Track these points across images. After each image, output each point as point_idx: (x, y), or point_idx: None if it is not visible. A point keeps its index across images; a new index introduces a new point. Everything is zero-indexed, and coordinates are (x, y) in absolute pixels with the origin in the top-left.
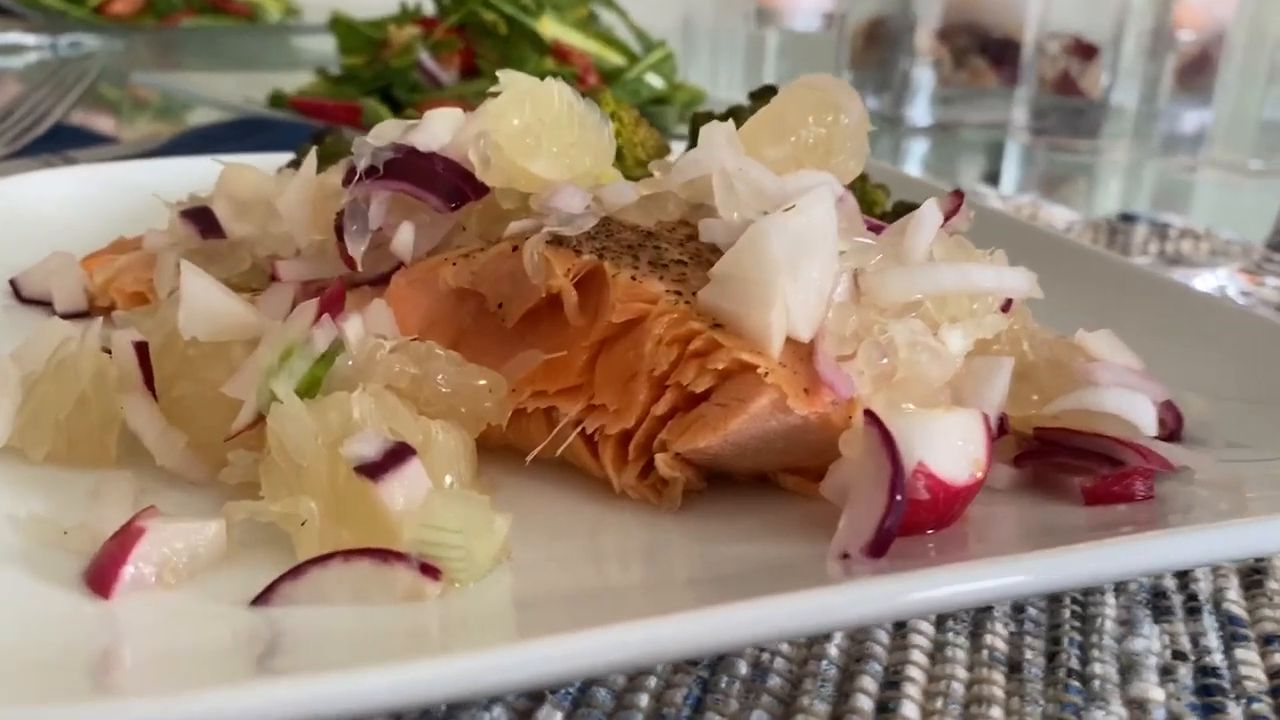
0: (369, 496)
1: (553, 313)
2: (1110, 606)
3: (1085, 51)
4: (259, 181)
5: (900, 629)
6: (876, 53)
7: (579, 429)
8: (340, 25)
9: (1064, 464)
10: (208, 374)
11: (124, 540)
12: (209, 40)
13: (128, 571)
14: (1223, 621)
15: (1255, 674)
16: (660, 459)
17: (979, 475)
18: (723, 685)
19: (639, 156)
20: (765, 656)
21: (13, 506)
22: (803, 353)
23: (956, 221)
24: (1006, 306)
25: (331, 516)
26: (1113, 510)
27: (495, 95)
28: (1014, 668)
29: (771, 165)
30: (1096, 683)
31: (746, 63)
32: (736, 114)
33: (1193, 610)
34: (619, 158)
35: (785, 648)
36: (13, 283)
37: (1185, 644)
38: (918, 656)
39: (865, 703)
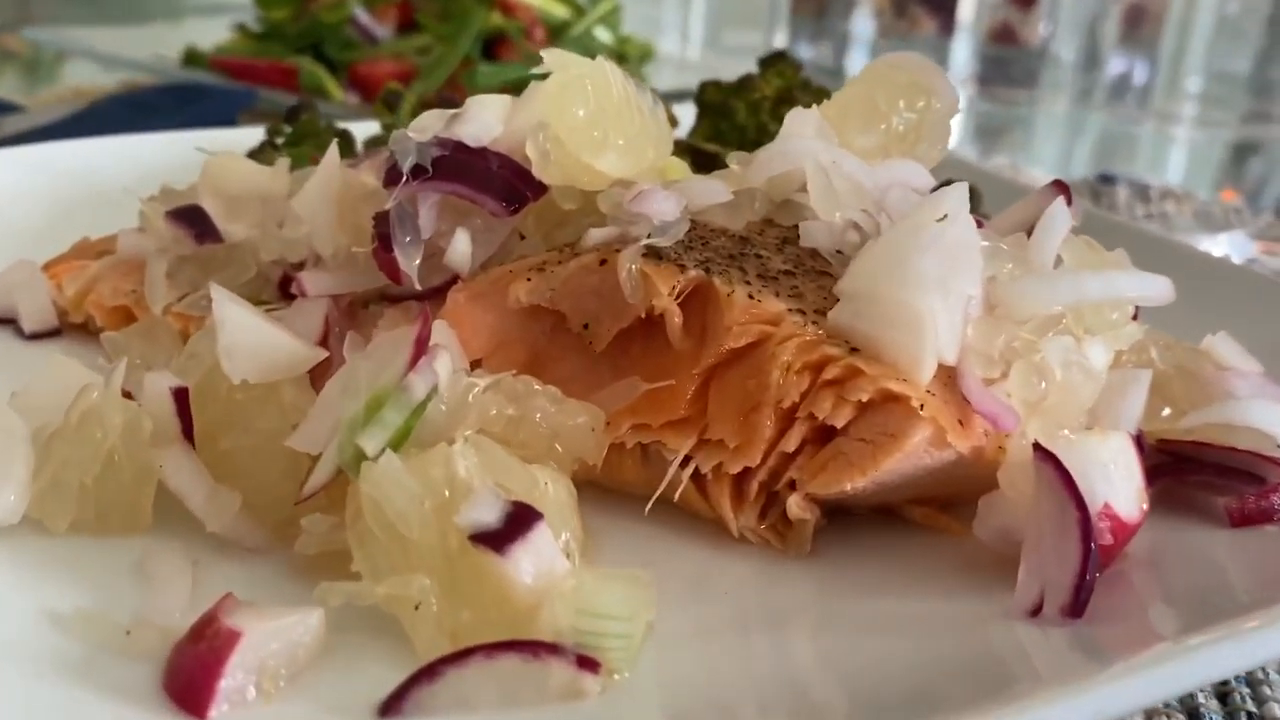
0: (492, 571)
1: (647, 334)
2: None
3: (1025, 0)
4: (250, 174)
5: None
6: (815, 1)
7: (688, 466)
8: None
9: (1202, 482)
10: (260, 422)
11: (216, 648)
12: None
13: (224, 685)
14: None
15: None
16: (793, 500)
17: (1145, 508)
18: None
19: None
20: None
21: (48, 597)
22: (945, 377)
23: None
24: (1136, 313)
25: (448, 595)
26: (1262, 533)
27: (543, 78)
28: None
29: (861, 156)
30: None
31: (680, 11)
32: (747, 85)
33: None
34: None
35: None
36: None
37: None
38: None
39: None
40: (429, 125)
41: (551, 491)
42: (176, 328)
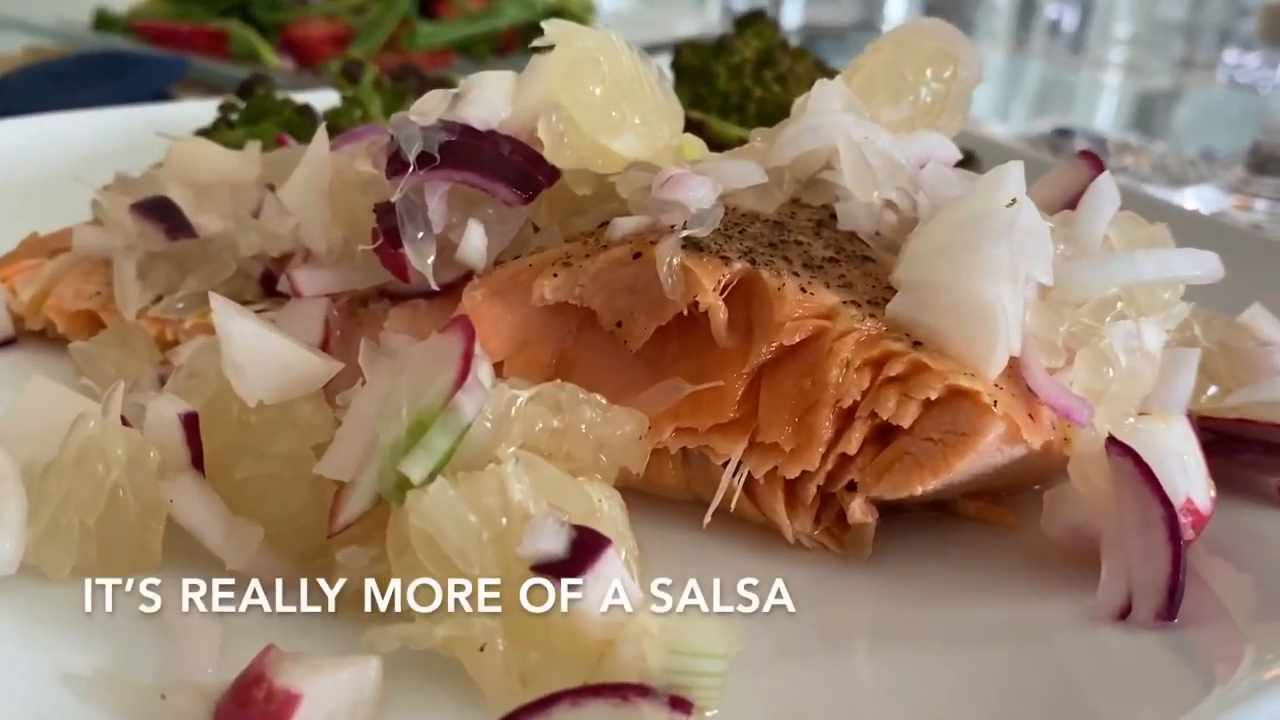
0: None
1: (684, 330)
2: None
3: None
4: (219, 159)
5: None
6: None
7: (740, 472)
8: None
9: (1249, 461)
10: (277, 446)
11: (271, 713)
12: None
13: None
14: None
15: None
16: (856, 504)
17: (1214, 494)
18: None
19: None
20: None
21: (60, 656)
22: (1007, 369)
23: None
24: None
25: (512, 634)
26: None
27: (543, 50)
28: None
29: (889, 129)
30: None
31: None
32: (726, 47)
33: None
34: None
35: None
36: None
37: None
38: None
39: None
40: (432, 108)
41: (606, 508)
42: (152, 333)
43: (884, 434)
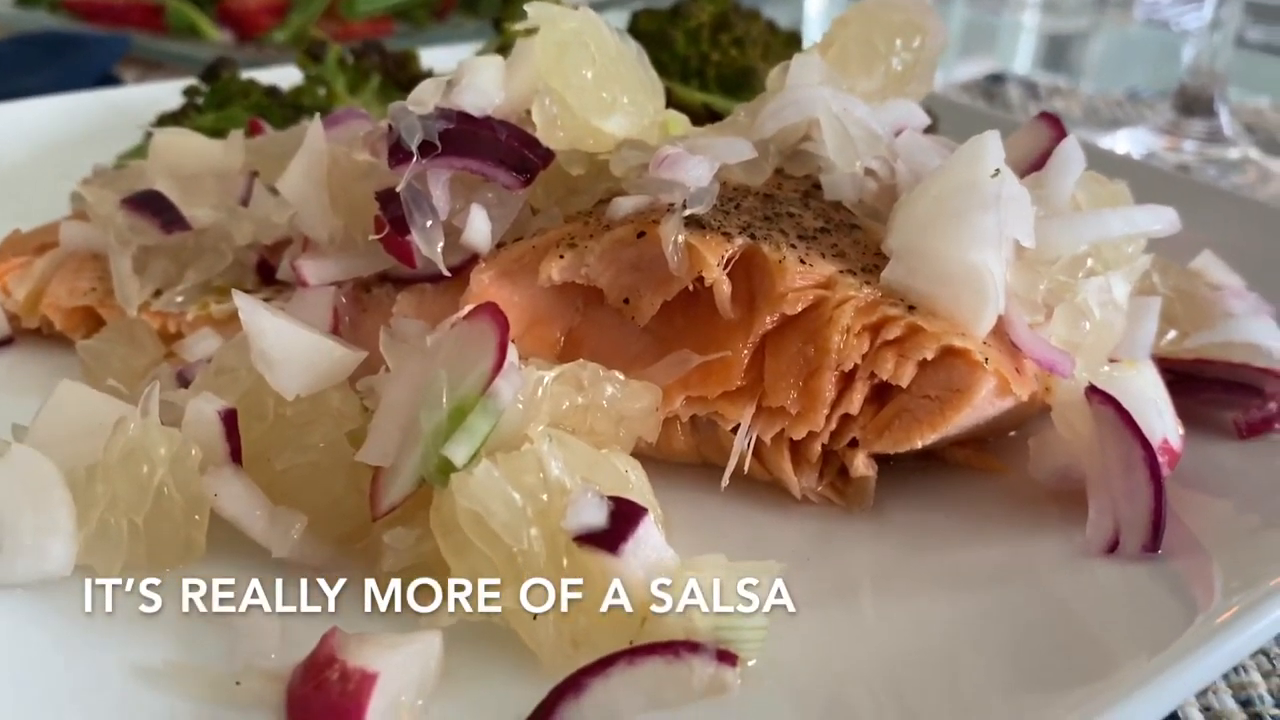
0: (604, 572)
1: (688, 304)
2: None
3: None
4: (203, 149)
5: None
6: None
7: (750, 435)
8: None
9: (1209, 399)
10: (313, 437)
11: (350, 692)
12: None
13: None
14: None
15: None
16: (859, 459)
17: (1182, 433)
18: None
19: None
20: None
21: (129, 650)
22: (994, 326)
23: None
24: None
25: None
26: (1270, 441)
27: (529, 34)
28: None
29: (864, 99)
30: None
31: None
32: (681, 12)
33: None
34: None
35: None
36: None
37: None
38: None
39: None
40: (427, 96)
41: (634, 479)
42: (154, 327)
43: (883, 393)
